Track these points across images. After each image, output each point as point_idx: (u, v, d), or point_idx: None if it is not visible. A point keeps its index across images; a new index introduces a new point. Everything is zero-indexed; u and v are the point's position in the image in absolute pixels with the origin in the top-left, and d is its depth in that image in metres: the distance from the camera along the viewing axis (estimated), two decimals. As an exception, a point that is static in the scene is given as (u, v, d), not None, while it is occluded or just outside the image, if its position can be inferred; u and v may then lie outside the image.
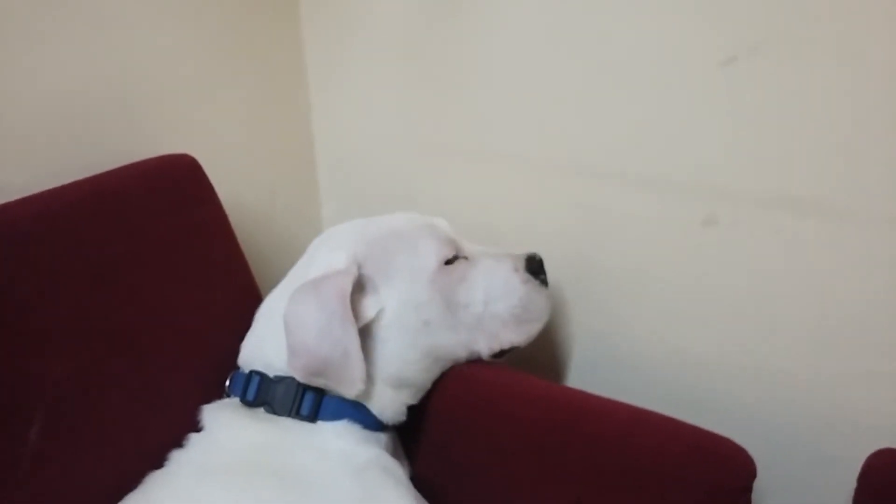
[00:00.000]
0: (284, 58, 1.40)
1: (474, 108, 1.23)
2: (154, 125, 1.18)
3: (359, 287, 0.96)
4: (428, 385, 1.02)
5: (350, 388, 0.92)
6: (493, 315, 1.01)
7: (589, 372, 1.20)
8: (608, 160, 1.10)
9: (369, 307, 0.96)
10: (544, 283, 1.06)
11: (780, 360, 1.02)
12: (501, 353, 1.04)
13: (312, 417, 0.95)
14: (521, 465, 0.94)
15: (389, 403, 0.98)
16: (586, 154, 1.12)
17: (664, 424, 0.89)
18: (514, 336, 1.03)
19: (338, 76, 1.39)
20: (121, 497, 0.88)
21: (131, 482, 0.90)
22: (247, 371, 0.99)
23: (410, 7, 1.24)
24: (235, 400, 0.98)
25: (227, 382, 1.00)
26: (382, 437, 0.98)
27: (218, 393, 1.00)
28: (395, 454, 0.98)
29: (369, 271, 0.97)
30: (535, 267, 1.05)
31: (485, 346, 1.02)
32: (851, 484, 0.84)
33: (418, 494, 0.93)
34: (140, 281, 0.99)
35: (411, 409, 1.01)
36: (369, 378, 0.94)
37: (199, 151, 1.14)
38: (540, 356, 1.24)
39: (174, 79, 1.21)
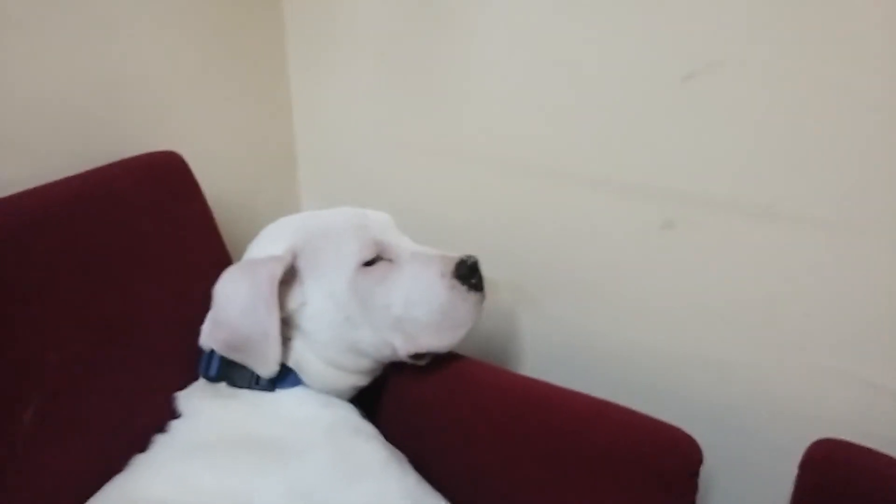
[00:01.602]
0: (267, 58, 1.43)
1: (449, 110, 1.27)
2: (142, 123, 1.21)
3: (290, 277, 0.99)
4: (370, 372, 1.06)
5: (265, 368, 0.97)
6: (413, 319, 1.00)
7: (552, 363, 1.26)
8: (575, 163, 1.15)
9: (294, 298, 1.00)
10: (475, 287, 1.02)
11: (729, 353, 1.08)
12: (420, 356, 1.03)
13: (270, 387, 1.00)
14: (485, 450, 1.00)
15: (332, 383, 1.03)
16: (555, 157, 1.17)
17: (618, 414, 0.95)
18: (434, 341, 1.01)
19: (319, 76, 1.43)
20: (109, 478, 0.92)
21: (119, 465, 0.93)
22: (207, 350, 1.03)
23: (391, 11, 1.28)
24: (202, 382, 1.03)
25: (206, 360, 1.03)
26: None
27: (194, 379, 1.04)
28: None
29: (301, 264, 1.00)
30: (464, 272, 1.01)
31: (402, 348, 1.01)
32: (793, 471, 0.89)
33: (391, 446, 0.99)
34: (128, 274, 1.03)
35: (383, 393, 1.06)
36: (306, 359, 1.01)
37: (185, 149, 1.18)
38: (506, 348, 1.29)
39: (161, 78, 1.24)
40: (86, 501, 0.90)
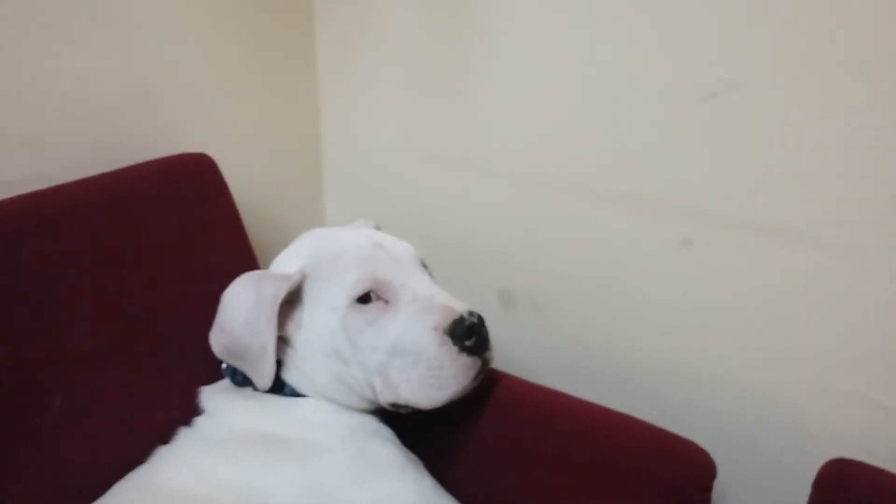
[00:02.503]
0: (298, 65, 1.46)
1: (473, 124, 1.29)
2: (173, 124, 1.24)
3: (295, 298, 0.99)
4: (362, 408, 1.01)
5: (260, 381, 0.98)
6: (398, 369, 0.94)
7: (569, 375, 1.27)
8: (596, 179, 1.16)
9: (291, 321, 0.99)
10: (469, 350, 0.93)
11: (745, 371, 1.09)
12: (400, 407, 0.97)
13: (293, 393, 1.01)
14: (500, 458, 1.01)
15: (343, 398, 1.00)
16: (576, 172, 1.18)
17: (634, 426, 0.96)
18: (413, 396, 0.94)
19: (347, 85, 1.45)
20: (131, 469, 0.94)
21: (142, 456, 0.96)
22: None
23: (419, 24, 1.30)
24: (228, 381, 1.04)
25: (223, 365, 1.05)
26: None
27: (218, 374, 1.06)
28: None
29: (306, 286, 0.99)
30: (460, 331, 0.93)
31: (381, 394, 0.96)
32: (806, 490, 0.90)
33: (408, 451, 0.99)
34: (156, 271, 1.05)
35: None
36: (300, 382, 1.01)
37: (214, 151, 1.20)
38: (523, 359, 1.31)
39: (193, 81, 1.27)
40: (108, 489, 0.92)
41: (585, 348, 1.25)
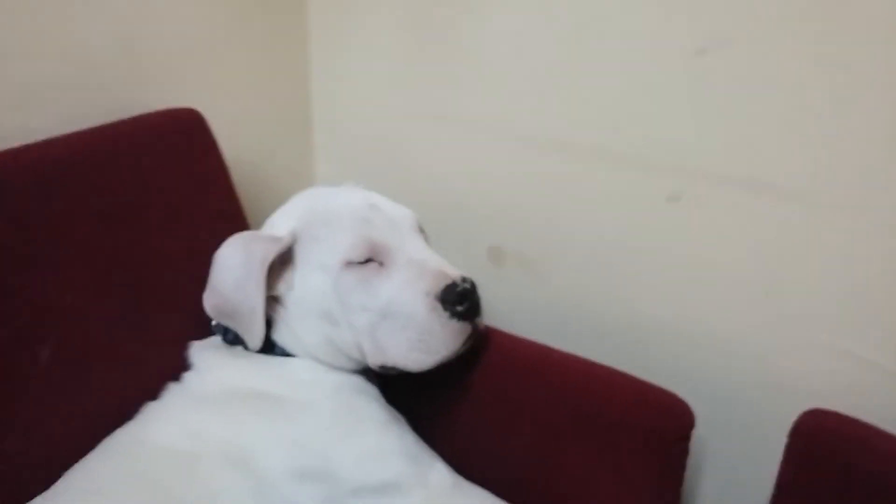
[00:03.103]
0: (289, 21, 1.45)
1: (463, 81, 1.28)
2: (163, 80, 1.24)
3: (287, 258, 0.99)
4: (351, 369, 1.02)
5: (251, 342, 0.99)
6: (385, 330, 0.95)
7: (554, 330, 1.25)
8: (585, 135, 1.16)
9: (283, 281, 1.00)
10: (460, 316, 0.94)
11: (729, 325, 1.11)
12: (388, 369, 0.97)
13: (283, 353, 1.02)
14: (483, 409, 1.04)
15: (331, 359, 1.01)
16: (565, 129, 1.18)
17: (615, 377, 0.98)
18: (401, 359, 0.95)
19: (338, 42, 1.44)
20: (119, 424, 0.95)
21: (131, 409, 0.97)
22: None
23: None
24: (218, 339, 1.05)
25: (213, 322, 1.05)
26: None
27: (208, 331, 1.07)
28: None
29: (298, 248, 0.99)
30: (451, 297, 0.93)
31: (370, 356, 0.97)
32: (783, 440, 0.92)
33: (393, 410, 1.01)
34: (144, 225, 1.06)
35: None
36: (290, 342, 1.01)
37: (205, 107, 1.20)
38: (511, 313, 1.30)
39: (183, 37, 1.26)
40: (97, 444, 0.93)
41: (573, 304, 1.26)
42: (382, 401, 1.01)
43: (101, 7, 1.13)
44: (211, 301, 1.01)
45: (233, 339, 1.03)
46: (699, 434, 0.95)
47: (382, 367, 0.98)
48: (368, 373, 1.04)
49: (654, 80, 1.07)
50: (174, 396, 0.99)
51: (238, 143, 1.36)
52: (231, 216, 1.19)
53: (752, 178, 1.02)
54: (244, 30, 1.37)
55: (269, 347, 1.02)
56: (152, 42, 1.22)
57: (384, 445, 0.94)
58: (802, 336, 1.04)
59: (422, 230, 1.06)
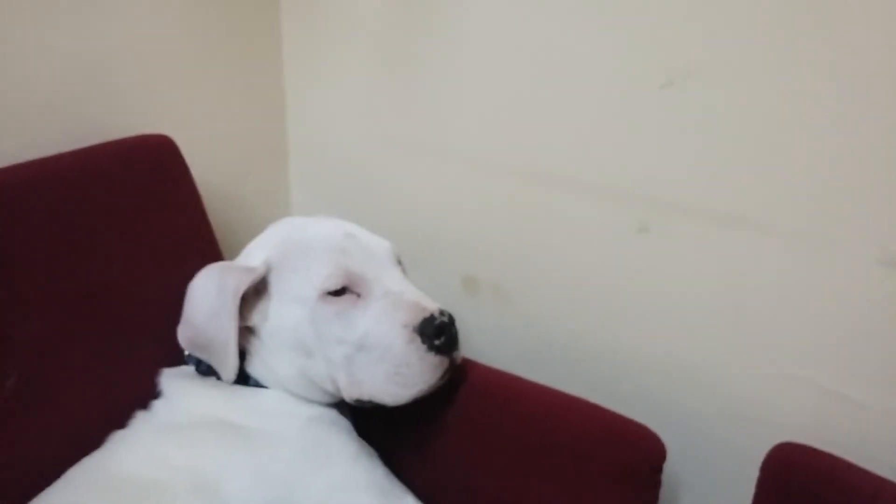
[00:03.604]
0: (263, 48, 1.45)
1: (436, 110, 1.29)
2: (136, 105, 1.23)
3: (261, 289, 0.99)
4: (325, 403, 1.01)
5: (225, 374, 0.98)
6: (363, 364, 0.94)
7: (526, 361, 1.28)
8: (556, 166, 1.17)
9: (256, 312, 0.99)
10: (438, 349, 0.93)
11: (698, 357, 1.11)
12: (364, 403, 0.96)
13: (257, 385, 1.01)
14: (455, 440, 1.03)
15: (305, 392, 1.00)
16: (537, 159, 1.19)
17: (586, 409, 0.98)
18: (378, 392, 0.94)
19: (313, 69, 1.45)
20: (87, 452, 0.94)
21: (97, 439, 0.95)
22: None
23: (384, 8, 1.30)
24: (191, 368, 1.03)
25: (186, 352, 1.04)
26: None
27: (179, 359, 1.05)
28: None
29: (272, 278, 0.98)
30: (429, 329, 0.92)
31: (345, 390, 0.96)
32: (755, 473, 0.92)
33: (364, 443, 1.00)
34: (114, 251, 1.05)
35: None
36: (264, 375, 1.00)
37: (178, 133, 1.19)
38: (482, 343, 1.32)
39: (157, 62, 1.26)
40: (63, 473, 0.91)
41: (546, 334, 1.26)
42: (354, 434, 1.00)
43: (73, 32, 1.13)
44: (185, 333, 1.00)
45: (206, 370, 1.02)
46: (671, 466, 0.95)
47: (358, 401, 0.96)
48: (342, 406, 1.03)
49: (622, 112, 1.08)
50: (142, 424, 0.98)
51: (213, 170, 1.36)
52: (202, 242, 1.18)
53: (721, 209, 1.03)
54: (219, 57, 1.37)
55: (243, 379, 1.01)
56: (126, 68, 1.21)
57: (353, 479, 0.93)
58: (772, 367, 1.05)
59: (399, 262, 1.06)
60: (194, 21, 1.31)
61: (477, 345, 1.33)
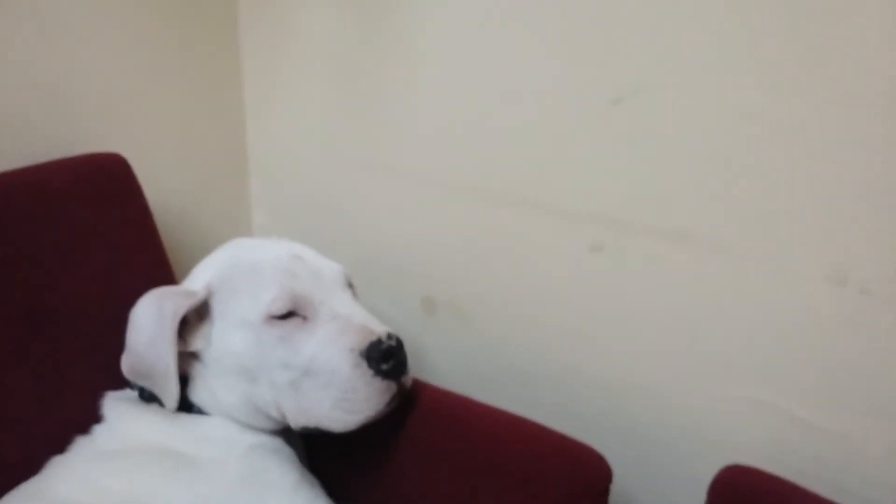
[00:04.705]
0: (221, 66, 1.44)
1: (394, 131, 1.29)
2: (92, 123, 1.22)
3: (202, 313, 0.97)
4: (271, 431, 0.99)
5: (167, 402, 0.96)
6: (309, 389, 0.91)
7: (488, 382, 1.26)
8: (510, 185, 1.16)
9: (199, 337, 0.97)
10: (386, 373, 0.91)
11: (651, 378, 1.10)
12: (311, 430, 0.94)
13: (199, 411, 0.99)
14: (408, 461, 1.01)
15: (250, 419, 0.98)
16: (491, 178, 1.18)
17: (534, 431, 0.97)
18: (326, 421, 0.92)
19: (272, 88, 1.45)
20: (25, 477, 0.92)
21: (36, 464, 0.93)
22: None
23: (342, 29, 1.30)
24: (135, 394, 1.02)
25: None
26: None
27: (124, 382, 1.03)
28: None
29: (214, 302, 0.97)
30: (376, 354, 0.90)
31: (291, 417, 0.94)
32: (702, 495, 0.90)
33: (306, 472, 0.98)
34: (60, 270, 1.03)
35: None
36: (207, 402, 0.98)
37: (134, 152, 1.18)
38: (436, 363, 1.31)
39: (114, 80, 1.25)
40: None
41: (503, 354, 1.25)
42: (296, 463, 0.98)
43: (29, 47, 1.12)
44: (127, 361, 0.98)
45: (148, 396, 1.00)
46: (624, 489, 0.94)
47: (305, 428, 0.94)
48: (289, 433, 1.01)
49: (573, 129, 1.08)
50: (80, 450, 0.96)
51: (172, 190, 1.36)
52: (154, 264, 1.16)
53: (673, 228, 1.02)
54: (178, 76, 1.36)
55: (187, 407, 0.99)
56: (82, 85, 1.21)
57: None
58: (725, 389, 1.03)
59: (350, 285, 1.04)
60: (153, 40, 1.30)
61: (437, 365, 1.32)
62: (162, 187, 1.29)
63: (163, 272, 1.17)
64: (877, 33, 0.84)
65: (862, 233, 0.90)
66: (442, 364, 1.31)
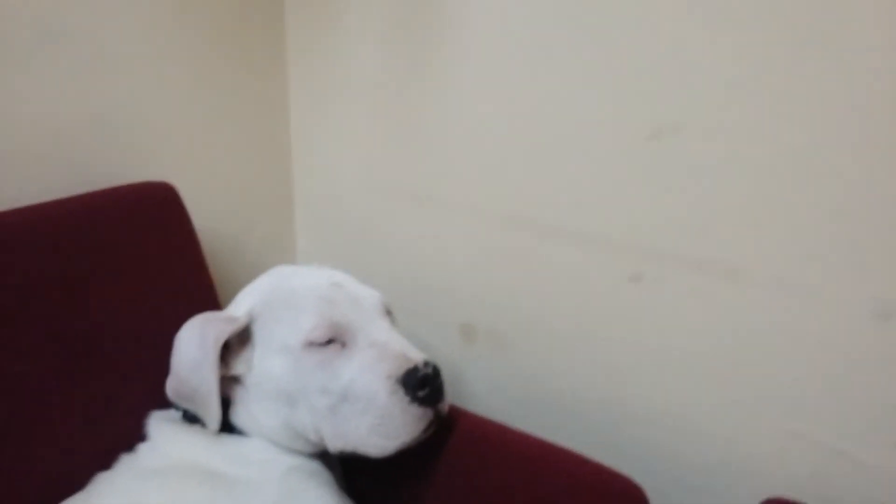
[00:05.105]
0: (269, 99, 1.48)
1: (434, 160, 1.31)
2: (143, 154, 1.26)
3: (245, 338, 0.99)
4: (310, 454, 1.01)
5: (210, 423, 0.98)
6: (347, 415, 0.93)
7: (526, 411, 1.26)
8: (551, 215, 1.17)
9: (241, 362, 0.99)
10: (422, 401, 0.92)
11: (691, 410, 1.09)
12: (348, 454, 0.95)
13: (240, 433, 1.01)
14: (443, 489, 1.01)
15: (289, 442, 0.99)
16: (531, 208, 1.19)
17: (568, 459, 0.96)
18: (363, 445, 0.92)
19: (317, 120, 1.48)
20: (72, 492, 0.94)
21: (83, 480, 0.96)
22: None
23: (386, 63, 1.33)
24: (179, 414, 1.04)
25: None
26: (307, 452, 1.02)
27: (167, 405, 1.05)
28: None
29: (256, 328, 0.99)
30: (412, 381, 0.92)
31: (330, 441, 0.95)
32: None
33: (344, 495, 0.99)
34: (110, 296, 1.07)
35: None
36: (248, 425, 1.00)
37: (184, 182, 1.22)
38: (475, 390, 1.31)
39: (163, 111, 1.29)
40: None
41: (541, 383, 1.25)
42: (334, 486, 0.99)
43: (83, 78, 1.17)
44: (171, 384, 1.01)
45: (191, 417, 1.02)
46: (659, 521, 0.93)
47: (342, 452, 0.95)
48: (328, 457, 1.02)
49: (611, 163, 1.08)
50: (124, 467, 0.98)
51: (219, 219, 1.39)
52: (200, 290, 1.19)
53: (712, 260, 1.02)
54: (227, 107, 1.40)
55: (228, 429, 1.01)
56: (134, 117, 1.25)
57: None
58: (766, 421, 1.02)
59: (389, 312, 1.05)
60: (204, 73, 1.35)
61: (475, 393, 1.32)
62: (210, 216, 1.33)
63: (209, 298, 1.20)
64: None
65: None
66: (480, 392, 1.31)
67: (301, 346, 0.95)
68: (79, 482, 0.96)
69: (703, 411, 1.07)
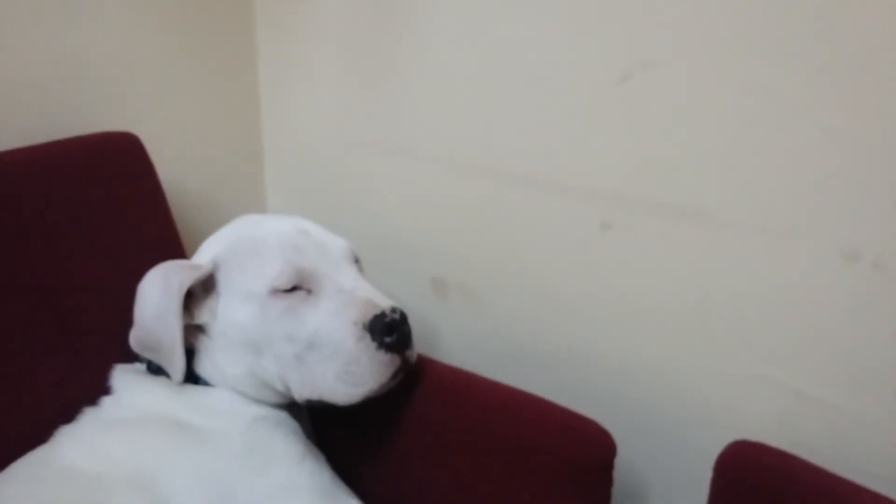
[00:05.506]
0: (237, 50, 1.46)
1: (404, 110, 1.29)
2: (108, 103, 1.24)
3: (210, 286, 0.98)
4: (277, 404, 1.00)
5: (174, 374, 0.97)
6: (313, 362, 0.92)
7: (498, 362, 1.25)
8: (518, 164, 1.16)
9: (206, 310, 0.98)
10: (388, 347, 0.91)
11: (661, 356, 1.09)
12: (315, 402, 0.95)
13: (205, 384, 1.00)
14: (412, 436, 1.01)
15: (255, 392, 0.99)
16: (500, 157, 1.18)
17: (538, 405, 0.96)
18: (330, 393, 0.92)
19: (287, 72, 1.46)
20: (34, 446, 0.93)
21: (46, 434, 0.95)
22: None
23: (355, 11, 1.31)
24: (143, 366, 1.03)
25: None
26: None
27: (132, 357, 1.05)
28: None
29: (221, 276, 0.98)
30: (379, 327, 0.91)
31: (296, 389, 0.95)
32: (709, 470, 0.90)
33: (312, 445, 0.98)
34: (72, 245, 1.05)
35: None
36: (213, 375, 0.99)
37: (150, 133, 1.20)
38: (457, 346, 1.30)
39: (128, 60, 1.26)
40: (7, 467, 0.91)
41: (513, 334, 1.24)
42: (301, 435, 0.99)
43: (43, 25, 1.14)
44: (135, 335, 1.00)
45: (156, 369, 1.01)
46: (628, 465, 0.93)
47: (309, 401, 0.95)
48: (295, 407, 1.02)
49: (581, 107, 1.07)
50: (88, 419, 0.97)
51: (187, 172, 1.37)
52: (164, 240, 1.17)
53: (682, 205, 1.01)
54: (194, 59, 1.38)
55: (193, 380, 1.00)
56: (99, 65, 1.22)
57: (295, 482, 0.91)
58: (733, 365, 1.02)
59: (357, 260, 1.04)
60: (170, 22, 1.32)
61: (446, 346, 1.32)
62: (178, 169, 1.30)
63: (175, 251, 1.18)
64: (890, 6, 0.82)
65: (875, 207, 0.88)
66: (452, 344, 1.31)
67: (266, 293, 0.94)
68: (42, 436, 0.94)
69: (672, 356, 1.07)
